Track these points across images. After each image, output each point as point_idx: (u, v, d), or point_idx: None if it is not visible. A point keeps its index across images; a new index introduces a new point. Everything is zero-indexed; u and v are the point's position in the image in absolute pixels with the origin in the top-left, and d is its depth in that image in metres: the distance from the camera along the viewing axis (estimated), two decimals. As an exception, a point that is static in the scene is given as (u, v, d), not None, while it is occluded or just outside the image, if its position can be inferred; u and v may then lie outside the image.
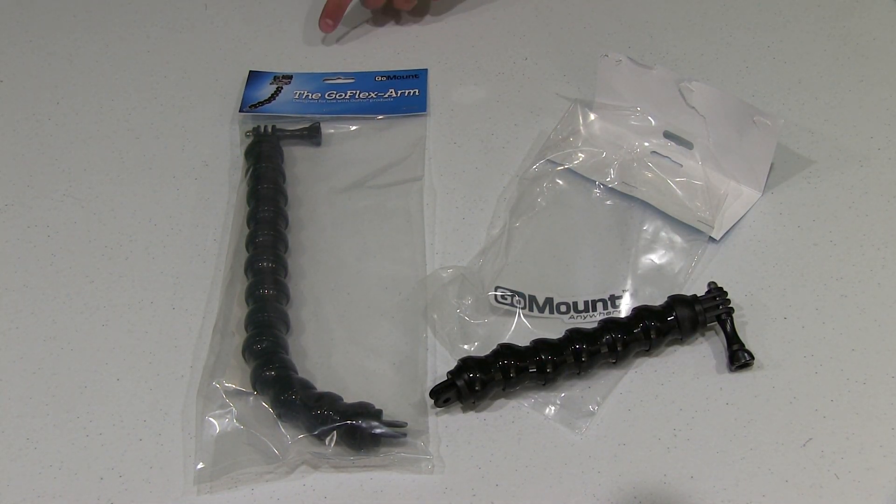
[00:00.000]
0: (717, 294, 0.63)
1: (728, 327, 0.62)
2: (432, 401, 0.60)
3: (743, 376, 0.61)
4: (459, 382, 0.59)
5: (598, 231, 0.70)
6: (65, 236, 0.71)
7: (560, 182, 0.72)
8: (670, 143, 0.73)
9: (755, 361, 0.61)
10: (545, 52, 0.83)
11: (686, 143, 0.73)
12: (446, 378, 0.60)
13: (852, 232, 0.69)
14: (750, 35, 0.83)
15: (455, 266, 0.67)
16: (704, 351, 0.63)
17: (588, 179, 0.72)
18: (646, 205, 0.70)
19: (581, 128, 0.75)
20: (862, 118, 0.76)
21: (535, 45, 0.84)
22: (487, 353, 0.60)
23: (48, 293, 0.68)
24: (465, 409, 0.61)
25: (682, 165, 0.72)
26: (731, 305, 0.63)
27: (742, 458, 0.58)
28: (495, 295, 0.65)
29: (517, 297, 0.65)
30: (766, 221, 0.70)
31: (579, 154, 0.73)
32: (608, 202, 0.71)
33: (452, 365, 0.60)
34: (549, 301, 0.65)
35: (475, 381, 0.59)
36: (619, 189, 0.71)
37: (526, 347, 0.61)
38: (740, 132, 0.69)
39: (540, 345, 0.61)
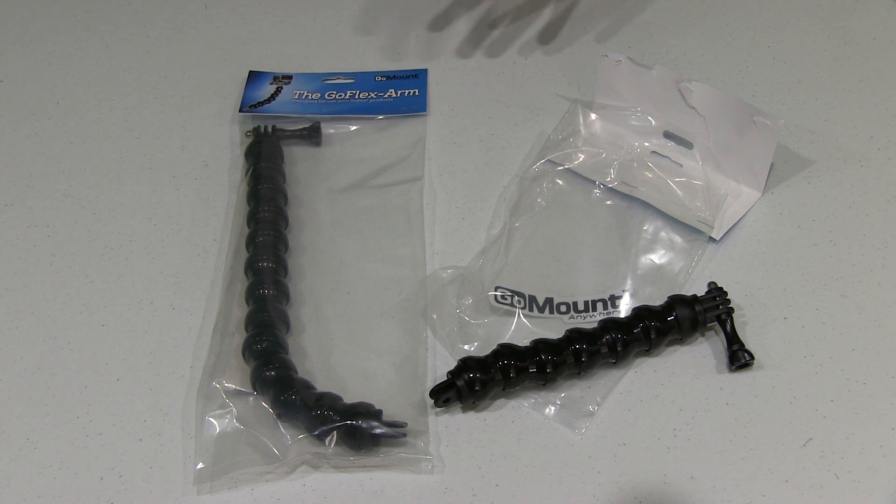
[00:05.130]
0: (717, 294, 0.63)
1: (728, 327, 0.62)
2: (432, 401, 0.60)
3: (743, 376, 0.61)
4: (459, 382, 0.59)
5: (598, 231, 0.70)
6: (65, 236, 0.71)
7: (560, 182, 0.72)
8: (670, 143, 0.73)
9: (755, 361, 0.61)
10: (545, 52, 0.83)
11: (686, 143, 0.73)
12: (446, 378, 0.60)
13: (852, 232, 0.69)
14: (750, 35, 0.83)
15: (455, 266, 0.67)
16: (704, 351, 0.63)
17: (588, 179, 0.72)
18: (646, 205, 0.70)
19: (581, 128, 0.75)
20: (862, 118, 0.76)
21: (535, 45, 0.84)
22: (487, 353, 0.60)
23: (48, 293, 0.68)
24: (465, 409, 0.61)
25: (682, 165, 0.72)
26: (731, 305, 0.63)
27: (742, 458, 0.58)
28: (495, 295, 0.65)
29: (517, 298, 0.65)
30: (766, 221, 0.70)
31: (579, 154, 0.73)
32: (608, 202, 0.71)
33: (452, 365, 0.60)
34: (548, 301, 0.65)
35: (475, 381, 0.59)
36: (619, 189, 0.71)
37: (526, 347, 0.61)
38: (740, 132, 0.69)
39: (540, 345, 0.61)
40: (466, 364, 0.60)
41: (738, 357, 0.61)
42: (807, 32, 0.83)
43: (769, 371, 0.62)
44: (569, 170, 0.73)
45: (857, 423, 0.59)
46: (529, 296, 0.65)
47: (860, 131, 0.75)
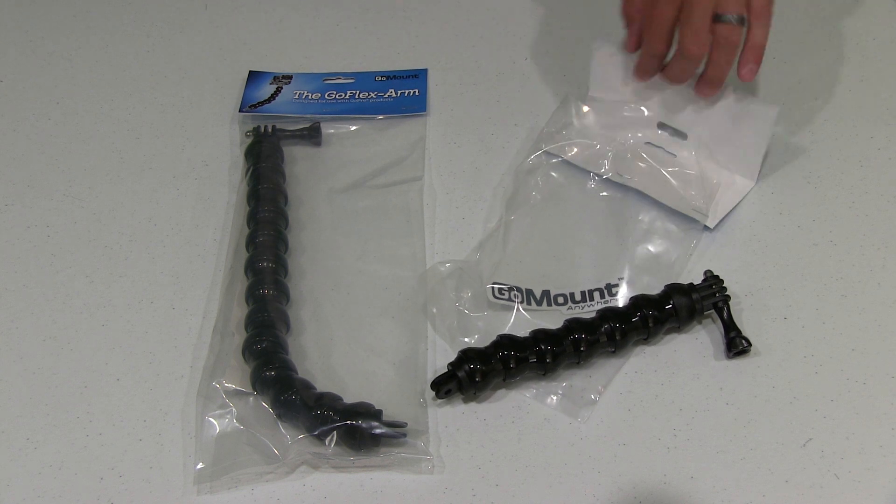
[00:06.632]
0: (713, 282, 0.63)
1: (725, 315, 0.62)
2: (434, 393, 0.60)
3: (743, 376, 0.61)
4: (460, 373, 0.59)
5: (594, 222, 0.70)
6: (65, 236, 0.71)
7: (555, 174, 0.72)
8: (664, 134, 0.73)
9: (755, 361, 0.61)
10: (545, 52, 0.83)
11: (680, 134, 0.73)
12: (447, 370, 0.60)
13: (852, 232, 0.69)
14: (750, 35, 0.83)
15: (453, 260, 0.67)
16: (703, 345, 0.63)
17: (583, 171, 0.72)
18: (641, 195, 0.70)
19: (574, 120, 0.75)
20: (862, 118, 0.76)
21: (535, 45, 0.84)
22: (487, 344, 0.60)
23: (48, 293, 0.68)
24: (465, 400, 0.61)
25: (675, 155, 0.72)
26: (727, 293, 0.63)
27: (742, 458, 0.58)
28: (493, 290, 0.65)
29: (515, 292, 0.65)
30: (761, 214, 0.70)
31: (573, 146, 0.73)
32: (603, 193, 0.71)
33: (453, 359, 0.60)
34: (546, 294, 0.65)
35: (476, 372, 0.59)
36: (613, 180, 0.71)
37: (525, 338, 0.61)
38: (734, 121, 0.69)
39: (539, 335, 0.61)
40: (467, 355, 0.60)
41: (736, 343, 0.61)
42: (807, 32, 0.83)
43: (769, 371, 0.62)
44: (563, 161, 0.73)
45: (857, 423, 0.59)
46: (527, 290, 0.65)
47: (860, 131, 0.75)
